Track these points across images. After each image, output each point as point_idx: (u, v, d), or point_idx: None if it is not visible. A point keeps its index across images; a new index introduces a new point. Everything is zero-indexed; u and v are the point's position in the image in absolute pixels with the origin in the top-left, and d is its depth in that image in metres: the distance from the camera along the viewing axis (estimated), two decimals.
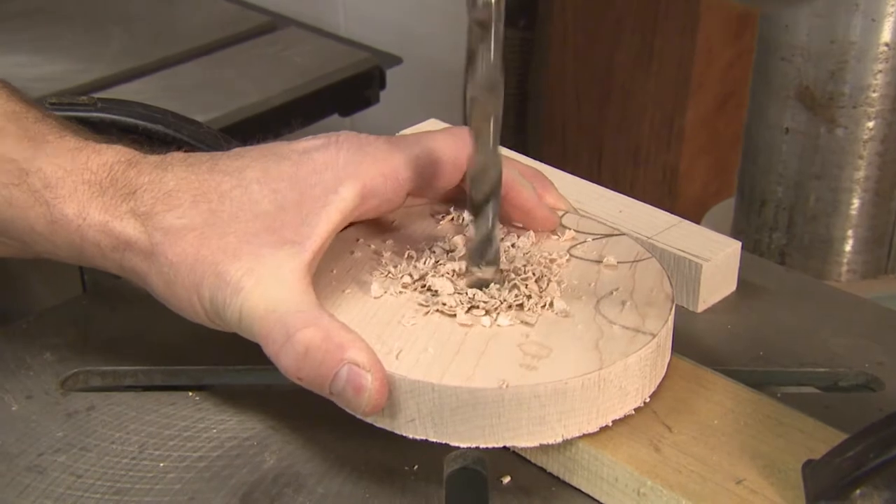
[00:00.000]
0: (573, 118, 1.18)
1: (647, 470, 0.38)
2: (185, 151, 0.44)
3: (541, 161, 0.56)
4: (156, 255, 0.41)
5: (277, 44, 1.03)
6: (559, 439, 0.38)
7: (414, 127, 0.62)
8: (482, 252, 0.42)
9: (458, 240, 0.45)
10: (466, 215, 0.45)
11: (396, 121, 0.64)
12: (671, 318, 0.41)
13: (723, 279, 0.51)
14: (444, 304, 0.41)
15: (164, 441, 0.42)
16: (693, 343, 0.47)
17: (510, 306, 0.41)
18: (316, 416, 0.42)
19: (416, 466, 0.41)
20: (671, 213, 0.53)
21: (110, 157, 0.43)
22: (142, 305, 0.50)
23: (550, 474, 0.41)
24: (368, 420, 0.39)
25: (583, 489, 0.40)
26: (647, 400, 0.40)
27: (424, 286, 0.42)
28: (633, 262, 0.45)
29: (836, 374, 0.47)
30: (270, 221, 0.41)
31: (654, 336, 0.40)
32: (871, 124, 0.63)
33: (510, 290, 0.42)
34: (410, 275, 0.43)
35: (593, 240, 0.46)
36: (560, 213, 0.47)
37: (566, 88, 1.17)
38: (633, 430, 0.40)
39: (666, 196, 1.11)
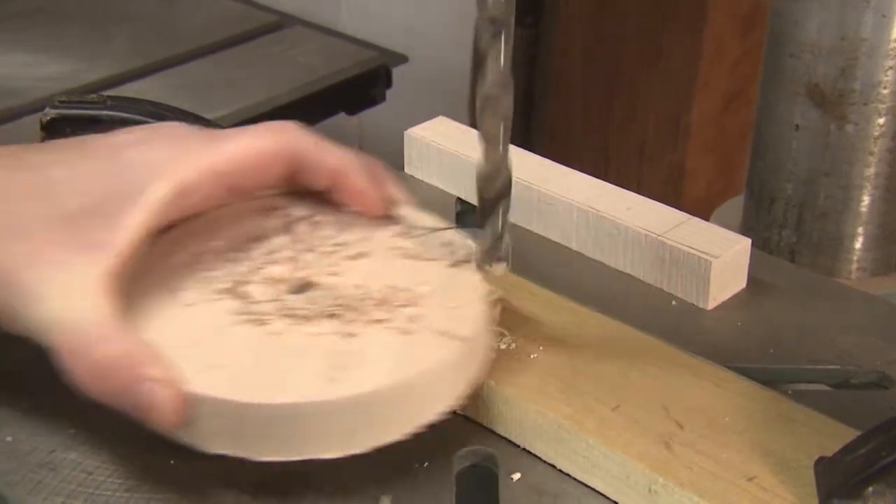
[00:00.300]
0: (579, 116, 1.17)
1: (658, 467, 0.38)
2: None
3: (546, 158, 0.56)
4: None
5: (283, 42, 1.03)
6: (367, 448, 0.37)
7: (422, 125, 0.62)
8: (493, 251, 0.42)
9: (281, 241, 0.43)
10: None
11: (403, 119, 0.64)
12: (484, 320, 0.40)
13: (732, 276, 0.50)
14: (258, 313, 0.40)
15: (175, 437, 0.42)
16: (704, 340, 0.47)
17: (328, 315, 0.40)
18: None
19: (426, 463, 0.41)
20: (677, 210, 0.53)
21: None
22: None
23: (561, 471, 0.40)
24: (172, 435, 0.38)
25: (594, 486, 0.40)
26: (459, 404, 0.39)
27: (240, 292, 0.41)
28: (455, 262, 0.43)
29: (848, 371, 0.47)
30: (73, 224, 0.39)
31: (464, 340, 0.39)
32: (881, 121, 0.63)
33: (329, 298, 0.40)
34: (227, 280, 0.41)
35: (419, 236, 0.44)
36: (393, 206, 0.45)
37: (572, 86, 1.17)
38: (644, 427, 0.39)
39: (671, 194, 1.10)
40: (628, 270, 0.52)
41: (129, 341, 0.37)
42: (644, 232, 0.51)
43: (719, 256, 0.49)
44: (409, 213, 0.46)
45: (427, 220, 0.46)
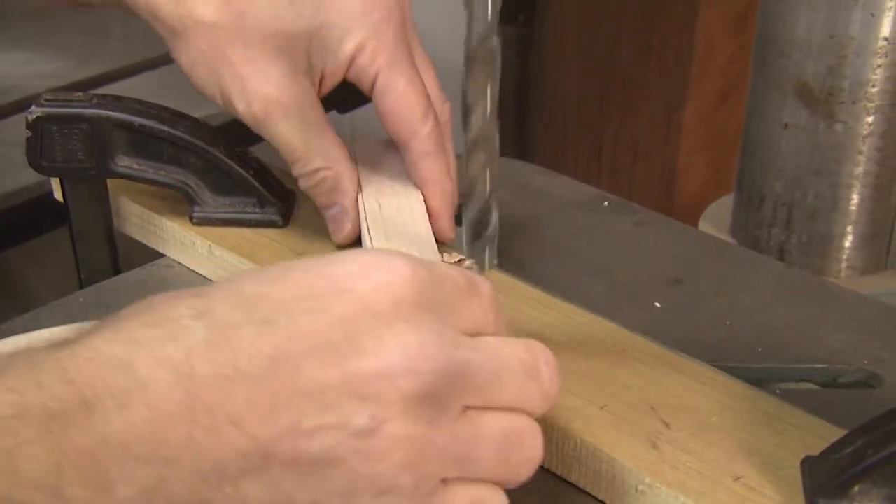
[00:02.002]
0: (573, 114, 1.17)
1: (645, 467, 0.38)
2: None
3: (541, 156, 0.56)
4: (184, 39, 0.46)
5: None
6: None
7: None
8: (478, 231, 0.42)
9: None
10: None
11: None
12: None
13: None
14: None
15: None
16: (692, 339, 0.47)
17: None
18: None
19: None
20: (669, 209, 0.52)
21: None
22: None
23: (549, 471, 0.40)
24: None
25: (581, 486, 0.40)
26: None
27: None
28: None
29: (836, 370, 0.47)
30: (288, 43, 0.45)
31: None
32: (870, 119, 0.63)
33: None
34: None
35: None
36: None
37: (566, 84, 1.17)
38: (631, 426, 0.39)
39: (664, 192, 1.11)
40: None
41: (342, 172, 0.47)
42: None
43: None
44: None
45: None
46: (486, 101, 0.39)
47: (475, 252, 0.42)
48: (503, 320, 0.34)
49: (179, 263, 0.53)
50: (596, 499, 0.39)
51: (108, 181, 0.53)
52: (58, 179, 0.53)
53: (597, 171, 1.16)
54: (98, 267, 0.54)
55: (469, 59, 0.39)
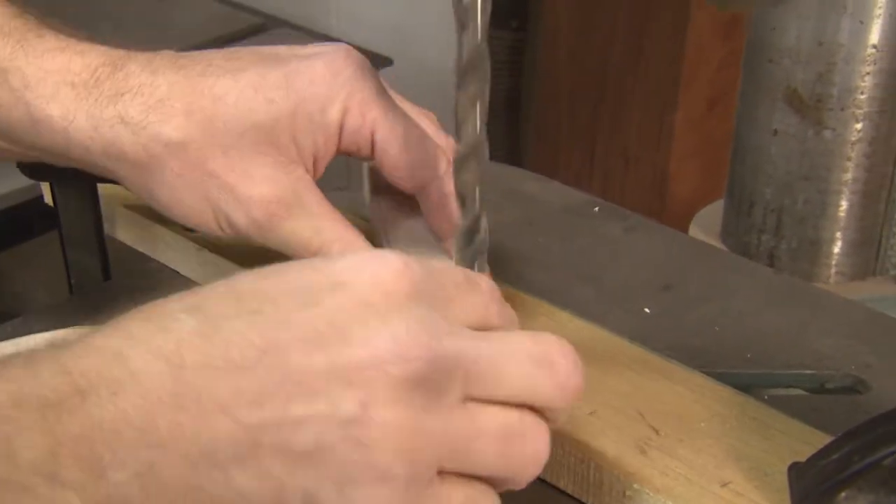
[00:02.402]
0: (565, 119, 1.18)
1: (632, 473, 0.38)
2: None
3: (533, 161, 0.56)
4: (156, 167, 0.41)
5: (268, 45, 1.03)
6: None
7: None
8: (469, 241, 0.42)
9: None
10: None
11: None
12: None
13: None
14: None
15: None
16: (680, 345, 0.47)
17: None
18: None
19: None
20: (660, 214, 0.52)
21: (94, 58, 0.42)
22: (127, 308, 0.50)
23: (537, 476, 0.40)
24: None
25: (569, 492, 0.40)
26: None
27: None
28: None
29: (824, 376, 0.47)
30: (267, 135, 0.41)
31: None
32: (858, 126, 0.64)
33: None
34: None
35: None
36: None
37: (558, 90, 1.17)
38: (619, 432, 0.40)
39: (656, 198, 1.11)
40: None
41: (362, 248, 0.42)
42: None
43: None
44: None
45: None
46: (477, 114, 0.39)
47: (465, 260, 0.42)
48: (511, 315, 0.33)
49: (171, 269, 0.53)
50: None
51: (99, 186, 0.53)
52: (48, 184, 0.53)
53: (588, 175, 1.17)
54: (88, 272, 0.54)
55: (460, 73, 0.39)
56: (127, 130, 0.41)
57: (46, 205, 0.56)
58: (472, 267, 0.42)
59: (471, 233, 0.41)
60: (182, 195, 0.42)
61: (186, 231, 0.52)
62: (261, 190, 0.41)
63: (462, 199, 0.40)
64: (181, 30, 1.04)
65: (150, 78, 0.41)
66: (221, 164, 0.41)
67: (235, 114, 0.41)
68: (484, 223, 0.42)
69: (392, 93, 0.45)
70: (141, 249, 0.54)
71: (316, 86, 0.42)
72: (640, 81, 1.10)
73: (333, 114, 0.42)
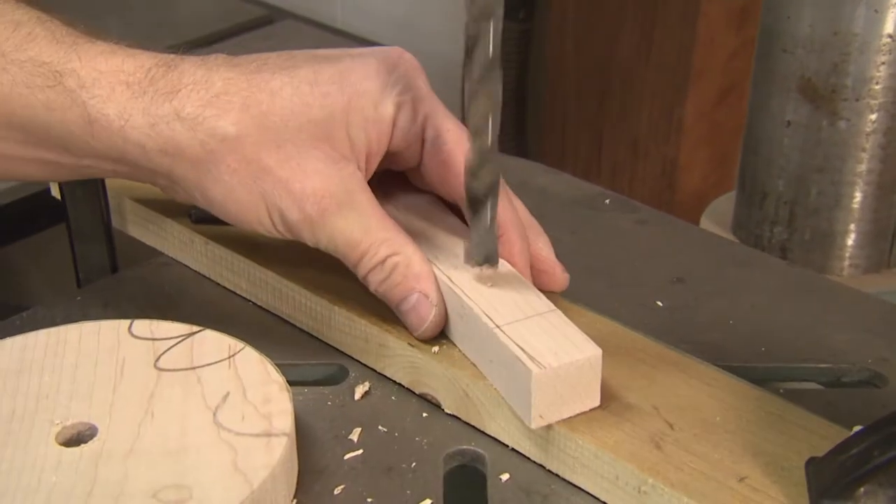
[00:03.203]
0: (573, 110, 1.17)
1: (648, 468, 0.37)
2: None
3: (541, 153, 0.55)
4: (212, 163, 0.41)
5: (274, 37, 1.03)
6: None
7: None
8: (481, 249, 0.42)
9: None
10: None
11: None
12: (292, 406, 0.39)
13: (571, 391, 0.39)
14: None
15: None
16: (695, 339, 0.47)
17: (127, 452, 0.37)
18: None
19: (414, 464, 0.40)
20: (670, 206, 0.52)
21: (146, 60, 0.42)
22: (134, 304, 0.50)
23: (550, 472, 0.40)
24: None
25: (583, 487, 0.39)
26: (294, 502, 0.38)
27: None
28: (230, 357, 0.41)
29: (839, 369, 0.46)
30: (322, 130, 0.41)
31: (286, 435, 0.38)
32: (873, 117, 0.63)
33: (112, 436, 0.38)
34: None
35: (175, 345, 0.42)
36: None
37: (566, 80, 1.16)
38: (634, 427, 0.39)
39: (665, 189, 1.10)
40: (472, 359, 0.42)
41: (414, 256, 0.42)
42: (483, 320, 0.41)
43: (545, 367, 0.38)
44: (146, 324, 0.43)
45: (170, 327, 0.43)
46: (489, 131, 0.39)
47: (477, 261, 0.42)
48: None
49: (178, 262, 0.53)
50: (598, 500, 0.39)
51: (106, 179, 0.53)
52: None
53: (597, 167, 1.16)
54: (96, 265, 0.53)
55: (471, 92, 0.39)
56: (184, 126, 0.41)
57: (54, 198, 0.55)
58: (485, 266, 0.41)
59: (480, 170, 0.41)
60: (237, 192, 0.41)
61: (194, 224, 0.51)
62: (314, 184, 0.41)
63: (473, 134, 0.39)
64: (187, 22, 1.04)
65: (206, 75, 0.42)
66: (276, 159, 0.41)
67: (292, 108, 0.41)
68: (495, 229, 0.41)
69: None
70: (148, 243, 0.54)
71: (370, 81, 0.42)
72: (649, 72, 1.09)
73: (387, 108, 0.42)
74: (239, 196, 0.41)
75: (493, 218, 0.41)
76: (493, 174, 0.40)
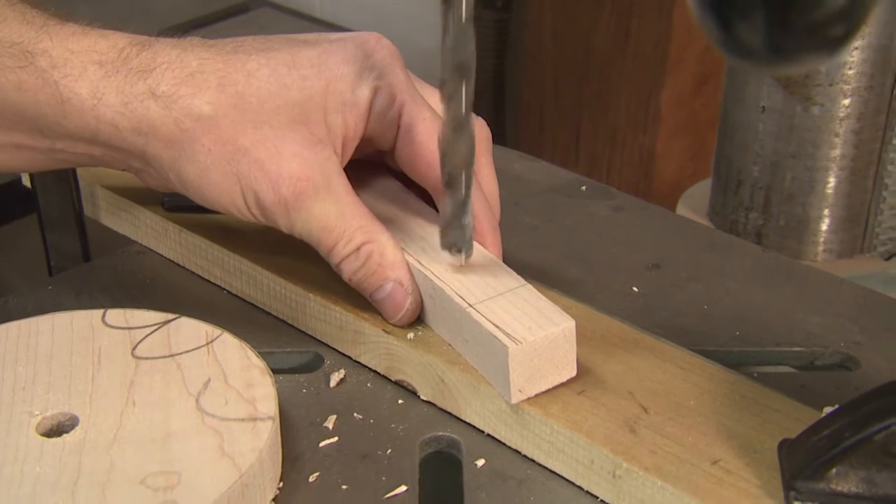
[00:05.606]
0: (550, 100, 1.17)
1: (622, 451, 0.37)
2: None
3: (518, 143, 0.55)
4: (187, 142, 0.40)
5: (251, 25, 1.02)
6: None
7: None
8: (455, 228, 0.41)
9: None
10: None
11: None
12: (275, 390, 0.39)
13: (548, 364, 0.39)
14: None
15: None
16: (670, 324, 0.47)
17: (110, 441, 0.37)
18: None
19: (389, 451, 0.40)
20: (647, 195, 0.52)
21: (119, 39, 0.42)
22: (107, 293, 0.49)
23: (525, 457, 0.40)
24: None
25: (558, 472, 0.39)
26: (280, 486, 0.38)
27: None
28: (208, 343, 0.41)
29: (813, 353, 0.47)
30: (299, 113, 0.41)
31: (272, 419, 0.38)
32: (846, 102, 0.63)
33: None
34: None
35: (151, 333, 0.42)
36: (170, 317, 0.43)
37: (543, 70, 1.16)
38: (609, 411, 0.39)
39: (643, 178, 1.10)
40: (448, 341, 0.42)
41: (387, 244, 0.42)
42: (457, 298, 0.41)
43: (521, 342, 0.38)
44: (120, 313, 0.43)
45: (145, 315, 0.43)
46: (463, 105, 0.39)
47: (450, 243, 0.42)
48: None
49: (151, 250, 0.52)
50: (573, 484, 0.39)
51: (79, 168, 0.52)
52: None
53: (575, 156, 1.16)
54: (68, 254, 0.53)
55: (446, 55, 0.38)
56: (158, 105, 0.40)
57: (25, 187, 0.55)
58: (458, 251, 0.41)
59: (458, 217, 0.40)
60: (211, 173, 0.41)
61: (167, 212, 0.51)
62: (290, 167, 0.41)
63: (447, 103, 0.39)
64: (161, 9, 1.03)
65: (181, 55, 0.41)
66: (252, 140, 0.40)
67: (269, 89, 0.41)
68: (469, 207, 0.41)
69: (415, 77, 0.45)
70: (121, 231, 0.53)
71: (348, 65, 0.42)
72: (626, 61, 1.09)
73: (363, 92, 0.42)
74: (213, 177, 0.41)
75: (469, 194, 0.41)
76: (468, 149, 0.40)
